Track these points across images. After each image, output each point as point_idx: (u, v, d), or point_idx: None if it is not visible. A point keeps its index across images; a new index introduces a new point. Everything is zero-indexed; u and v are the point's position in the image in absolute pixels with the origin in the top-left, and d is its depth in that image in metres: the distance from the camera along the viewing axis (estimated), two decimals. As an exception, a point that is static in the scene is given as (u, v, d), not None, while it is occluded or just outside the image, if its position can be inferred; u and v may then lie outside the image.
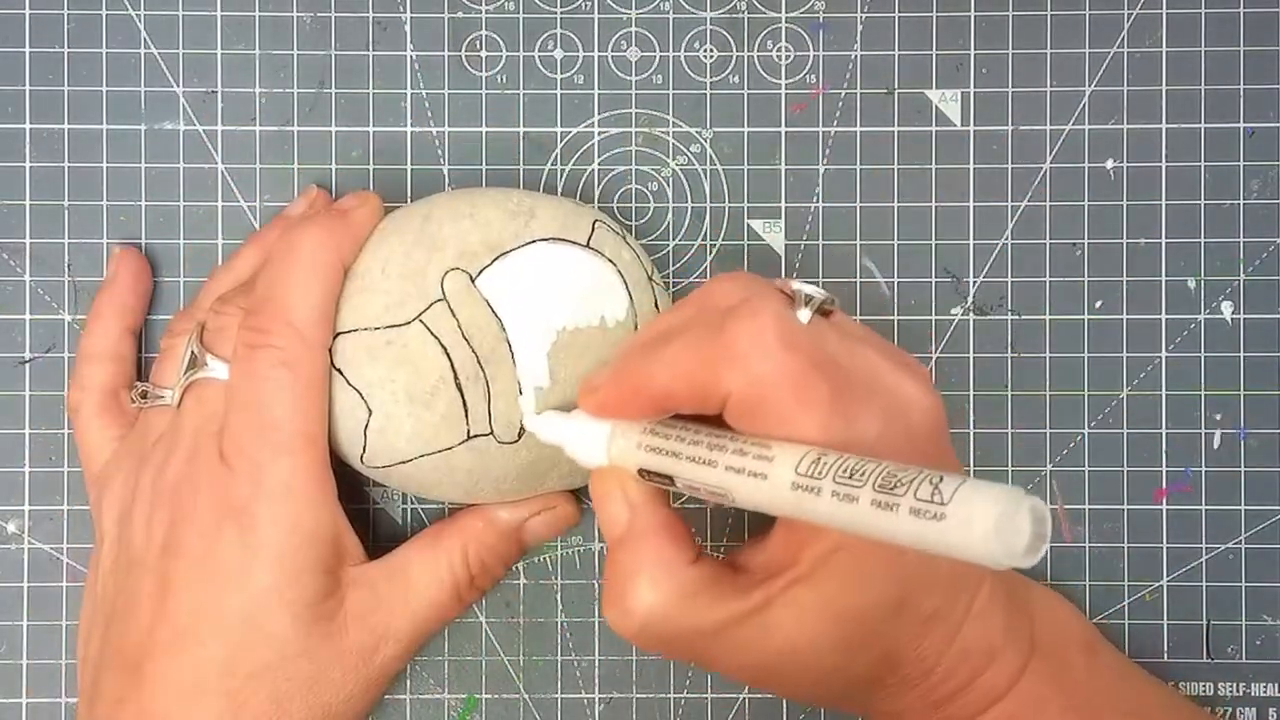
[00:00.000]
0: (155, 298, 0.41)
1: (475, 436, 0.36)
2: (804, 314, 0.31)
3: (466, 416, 0.35)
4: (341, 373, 0.36)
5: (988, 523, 0.24)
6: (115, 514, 0.37)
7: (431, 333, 0.35)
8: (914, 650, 0.32)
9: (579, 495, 0.40)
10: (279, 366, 0.35)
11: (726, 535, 0.42)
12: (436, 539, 0.38)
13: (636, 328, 0.37)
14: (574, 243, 0.37)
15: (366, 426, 0.36)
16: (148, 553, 0.36)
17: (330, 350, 0.36)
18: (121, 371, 0.39)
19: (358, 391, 0.35)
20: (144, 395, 0.38)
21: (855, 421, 0.30)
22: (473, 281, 0.36)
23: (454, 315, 0.35)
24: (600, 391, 0.33)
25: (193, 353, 0.37)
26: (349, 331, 0.36)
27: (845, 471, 0.27)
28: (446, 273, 0.35)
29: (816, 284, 0.32)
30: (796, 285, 0.32)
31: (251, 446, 0.34)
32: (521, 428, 0.36)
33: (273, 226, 0.40)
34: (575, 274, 0.36)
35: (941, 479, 0.26)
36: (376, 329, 0.35)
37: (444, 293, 0.35)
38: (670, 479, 0.32)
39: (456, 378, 0.35)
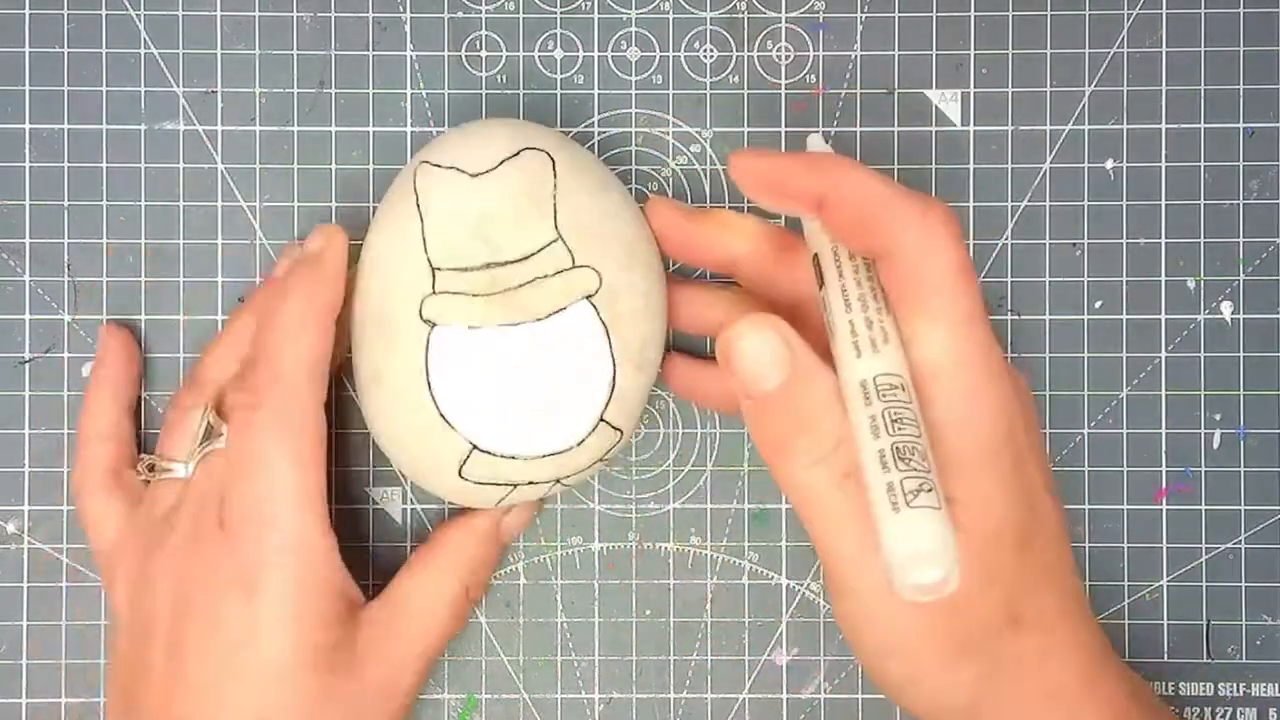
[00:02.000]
0: (156, 301, 0.41)
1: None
2: None
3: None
4: None
5: (902, 549, 0.29)
6: (127, 597, 0.37)
7: None
8: (1035, 605, 0.33)
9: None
10: (272, 428, 0.35)
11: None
12: (428, 564, 0.38)
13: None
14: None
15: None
16: (158, 625, 0.35)
17: None
18: (122, 452, 0.39)
19: None
20: (151, 468, 0.38)
21: (994, 354, 0.32)
22: None
23: None
24: (764, 155, 0.34)
25: (208, 424, 0.37)
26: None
27: (893, 411, 0.30)
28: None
29: None
30: None
31: (251, 512, 0.35)
32: None
33: (262, 290, 0.40)
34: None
35: (930, 489, 0.29)
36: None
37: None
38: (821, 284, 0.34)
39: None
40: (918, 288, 0.31)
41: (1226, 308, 0.41)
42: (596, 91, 0.42)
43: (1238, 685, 0.41)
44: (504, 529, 0.39)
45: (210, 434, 0.36)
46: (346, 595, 0.36)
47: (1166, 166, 0.42)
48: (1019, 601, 0.32)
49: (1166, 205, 0.42)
